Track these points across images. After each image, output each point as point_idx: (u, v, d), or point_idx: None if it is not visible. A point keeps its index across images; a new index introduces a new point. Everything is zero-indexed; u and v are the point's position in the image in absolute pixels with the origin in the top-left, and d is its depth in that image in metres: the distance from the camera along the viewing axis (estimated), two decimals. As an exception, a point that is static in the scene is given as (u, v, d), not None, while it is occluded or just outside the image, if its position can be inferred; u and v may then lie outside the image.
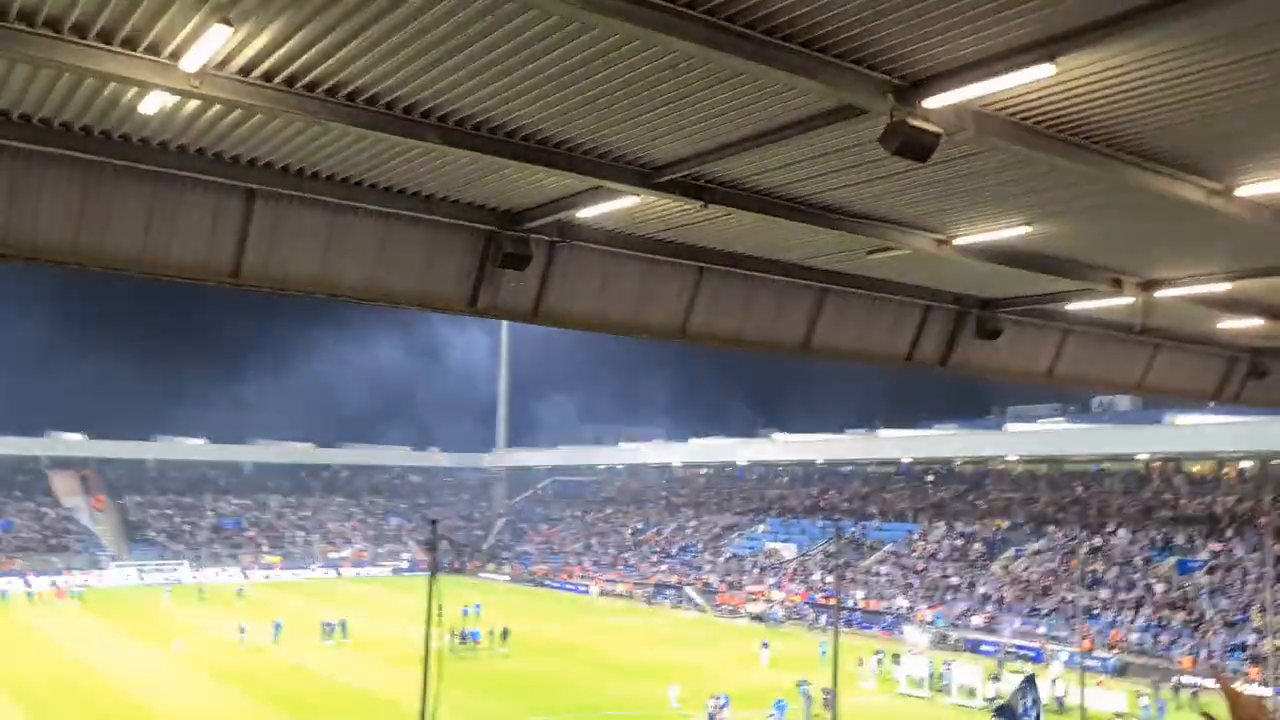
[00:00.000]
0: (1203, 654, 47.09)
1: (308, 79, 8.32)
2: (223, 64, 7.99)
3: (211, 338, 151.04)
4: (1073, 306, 16.22)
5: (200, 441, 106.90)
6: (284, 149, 9.97)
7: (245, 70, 8.15)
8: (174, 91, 8.11)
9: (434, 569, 14.34)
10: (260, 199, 10.69)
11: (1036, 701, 26.28)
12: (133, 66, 7.78)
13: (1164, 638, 49.63)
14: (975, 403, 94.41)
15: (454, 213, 11.77)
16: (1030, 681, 27.00)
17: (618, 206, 11.18)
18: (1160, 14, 6.76)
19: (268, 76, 8.25)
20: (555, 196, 11.39)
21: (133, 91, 8.47)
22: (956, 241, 12.57)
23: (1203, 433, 59.41)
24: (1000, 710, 27.12)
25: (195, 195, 10.36)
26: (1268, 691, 38.87)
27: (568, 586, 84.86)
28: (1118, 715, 37.84)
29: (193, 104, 8.78)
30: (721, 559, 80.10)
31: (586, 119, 9.16)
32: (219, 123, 9.30)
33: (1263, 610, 45.28)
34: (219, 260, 10.76)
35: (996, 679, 42.37)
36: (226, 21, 7.25)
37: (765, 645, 47.18)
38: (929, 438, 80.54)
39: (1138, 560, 57.40)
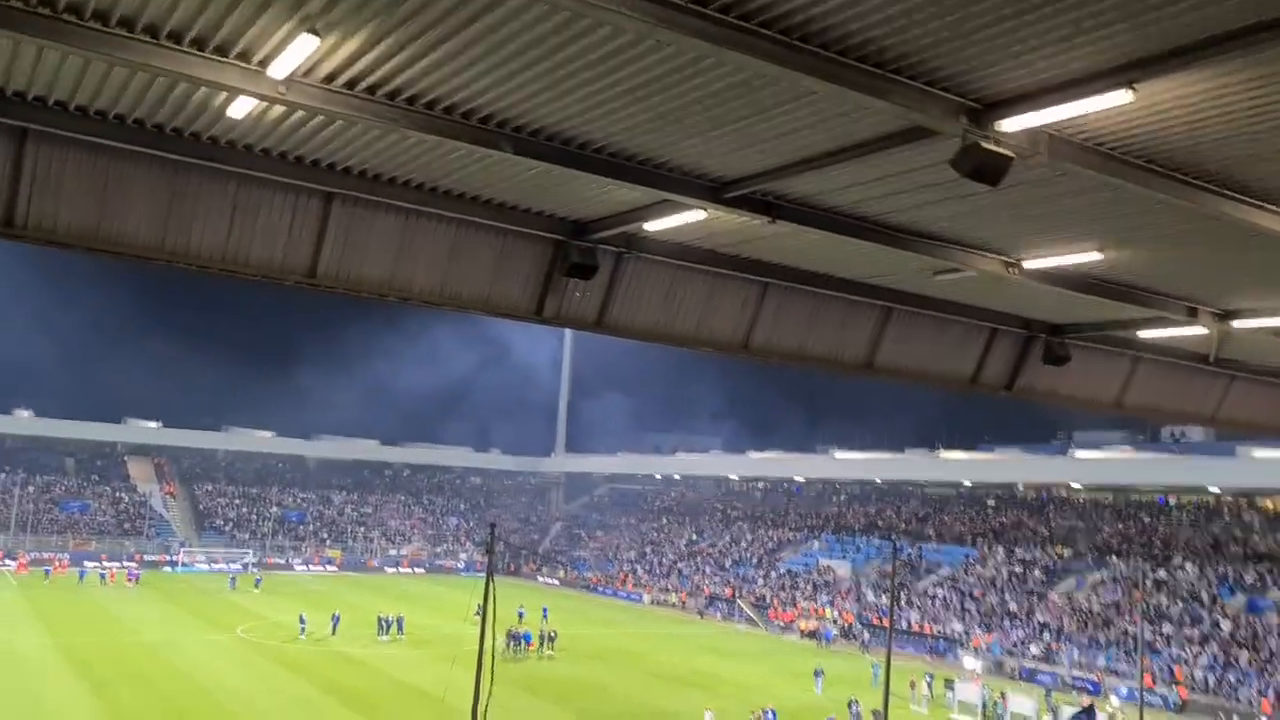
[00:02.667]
0: (1271, 694, 45.53)
1: (389, 88, 8.56)
2: (309, 72, 8.27)
3: (283, 334, 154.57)
4: (1145, 334, 15.86)
5: (269, 434, 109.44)
6: (362, 154, 10.24)
7: (329, 78, 8.41)
8: (261, 97, 8.40)
9: (491, 571, 14.52)
10: (338, 202, 10.99)
11: None
12: (223, 72, 8.08)
13: (1230, 677, 48.07)
14: (1041, 427, 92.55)
15: (524, 221, 11.96)
16: (1089, 713, 26.27)
17: (685, 220, 11.25)
18: (1242, 42, 6.65)
19: (351, 85, 8.51)
20: (623, 209, 11.51)
21: (222, 96, 8.79)
22: (1026, 265, 12.41)
23: (1277, 467, 57.50)
24: None
25: (276, 197, 10.69)
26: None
27: (620, 594, 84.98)
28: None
29: (278, 109, 9.08)
30: (775, 574, 79.55)
31: (657, 134, 9.27)
32: (302, 128, 9.60)
33: (1337, 654, 43.64)
34: (296, 260, 11.08)
35: (1053, 710, 41.46)
36: (314, 32, 7.50)
37: (819, 674, 46.52)
38: (992, 461, 79.15)
39: (1204, 596, 55.71)
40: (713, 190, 10.45)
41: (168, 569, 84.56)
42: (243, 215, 10.60)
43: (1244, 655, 49.15)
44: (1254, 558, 58.03)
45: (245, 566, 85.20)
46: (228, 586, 73.08)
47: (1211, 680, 48.21)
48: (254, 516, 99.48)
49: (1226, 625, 52.14)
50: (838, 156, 9.33)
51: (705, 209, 10.78)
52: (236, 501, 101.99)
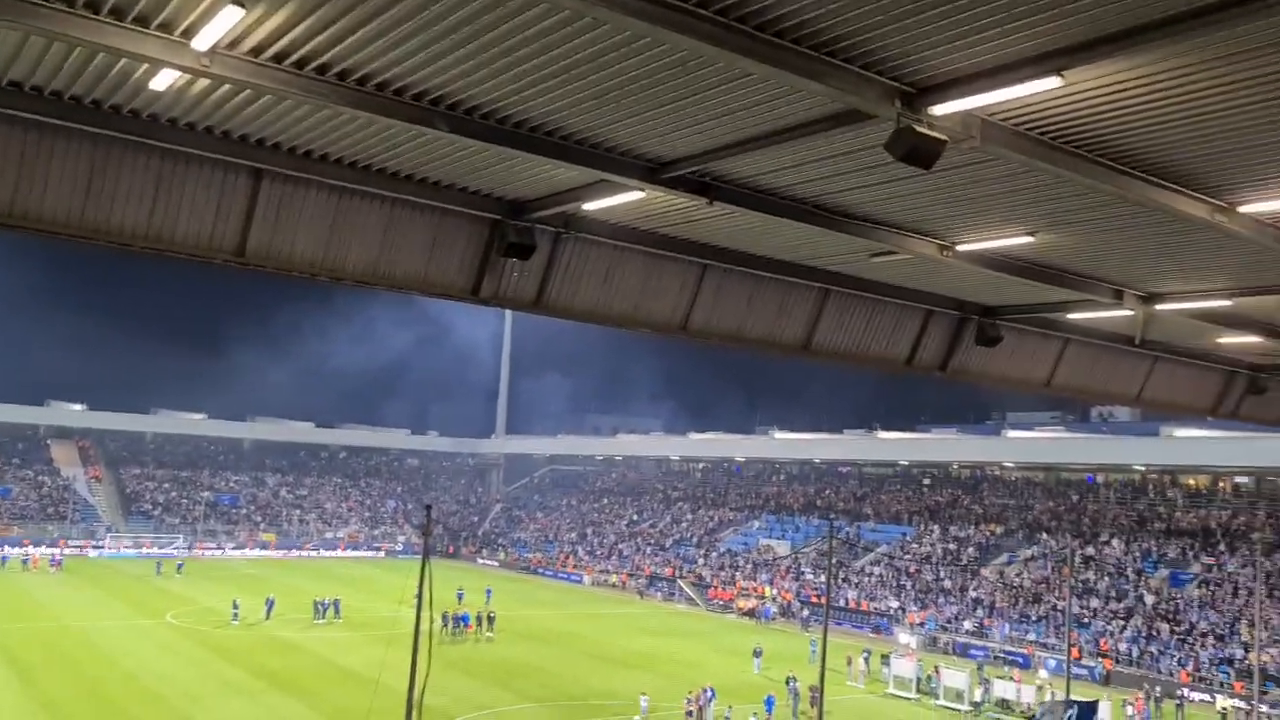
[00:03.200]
0: (1189, 665, 47.21)
1: (318, 62, 8.35)
2: (234, 44, 8.03)
3: (214, 313, 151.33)
4: (1074, 316, 16.23)
5: (200, 416, 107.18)
6: (292, 131, 10.00)
7: (256, 51, 8.18)
8: (184, 70, 8.14)
9: (427, 553, 14.42)
10: (267, 179, 10.72)
11: None
12: (144, 43, 7.81)
13: (1152, 648, 49.74)
14: (975, 408, 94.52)
15: (460, 200, 11.81)
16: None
17: (623, 200, 11.21)
18: (1163, 32, 6.80)
19: (278, 59, 8.29)
20: (561, 188, 11.42)
21: (144, 68, 8.51)
22: (960, 248, 12.60)
23: (1199, 446, 59.47)
24: None
25: (203, 173, 10.40)
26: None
27: (561, 575, 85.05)
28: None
29: (203, 83, 8.81)
30: (715, 554, 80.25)
31: (595, 113, 9.19)
32: (228, 102, 9.34)
33: (1251, 625, 45.36)
34: (224, 238, 10.79)
35: (985, 684, 42.53)
36: (239, 3, 7.28)
37: (758, 653, 47.05)
38: (927, 441, 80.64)
39: (1130, 571, 57.50)
40: (650, 171, 10.41)
41: (93, 554, 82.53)
42: (167, 191, 10.28)
43: (1165, 628, 50.86)
44: (1176, 533, 60.01)
45: (175, 551, 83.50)
46: (154, 572, 71.52)
47: (1135, 652, 49.83)
48: (184, 500, 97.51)
49: (1150, 599, 53.88)
50: (774, 139, 9.35)
51: (643, 189, 10.74)
52: (166, 485, 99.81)
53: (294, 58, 8.26)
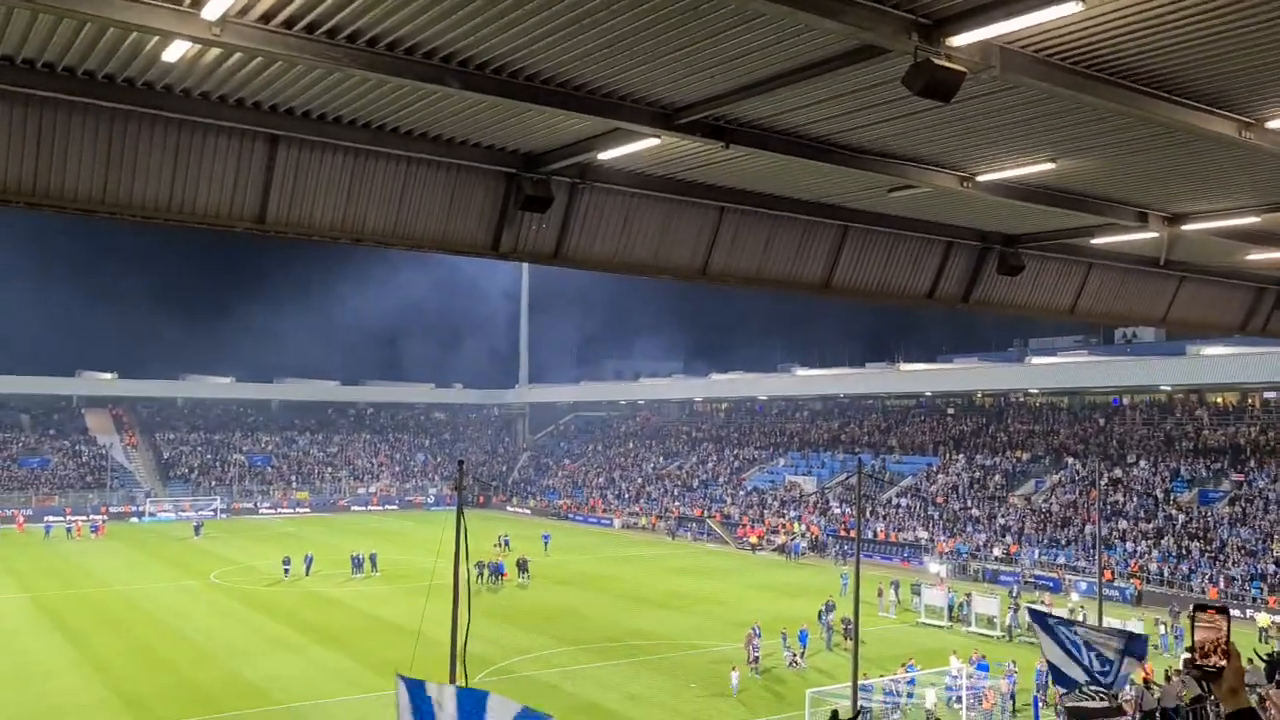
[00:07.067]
0: (1221, 582, 47.42)
1: (328, 25, 8.31)
2: (243, 12, 7.99)
3: (234, 277, 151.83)
4: (1097, 241, 16.08)
5: (228, 380, 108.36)
6: (305, 95, 9.98)
7: (266, 18, 8.14)
8: (195, 40, 8.12)
9: (461, 505, 14.67)
10: (283, 145, 10.73)
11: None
12: (153, 15, 7.77)
13: (1183, 567, 49.94)
14: (998, 336, 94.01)
15: (475, 156, 11.78)
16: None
17: (638, 148, 11.14)
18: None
19: (288, 24, 8.24)
20: (575, 139, 11.36)
21: (155, 40, 8.49)
22: (980, 179, 12.48)
23: (1226, 364, 59.04)
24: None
25: (220, 142, 10.42)
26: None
27: (591, 520, 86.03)
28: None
29: (214, 52, 8.79)
30: (742, 492, 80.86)
31: (606, 62, 9.11)
32: (240, 70, 9.32)
33: (1284, 540, 45.44)
34: (245, 206, 10.84)
35: (1015, 609, 42.93)
36: (247, -30, 7.23)
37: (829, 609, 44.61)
38: (950, 371, 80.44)
39: (1158, 491, 57.53)
40: (664, 117, 10.33)
41: (135, 520, 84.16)
42: (186, 162, 10.32)
43: (1195, 546, 50.99)
44: (1204, 452, 59.87)
45: (215, 513, 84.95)
46: (193, 534, 72.81)
47: (1166, 571, 50.06)
48: (218, 463, 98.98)
49: (1180, 518, 53.97)
50: (789, 78, 9.24)
51: (658, 136, 10.66)
52: (200, 449, 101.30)
53: (304, 22, 8.22)
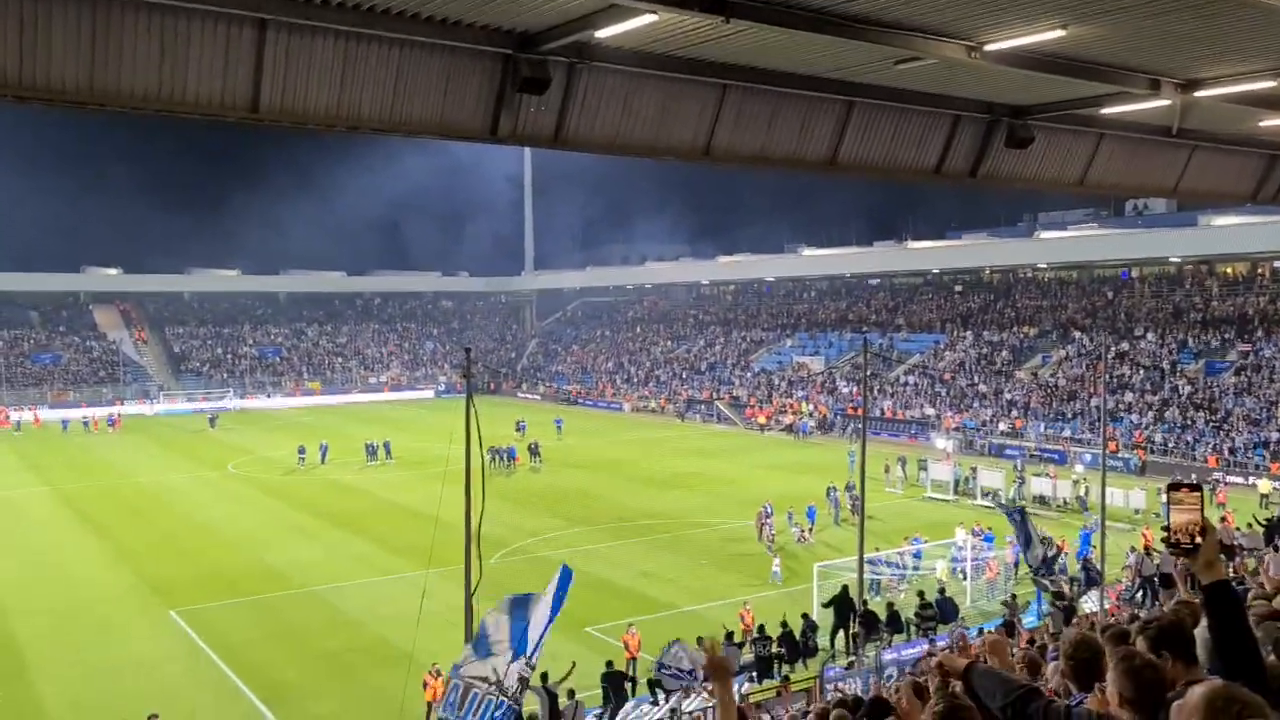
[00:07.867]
0: (1225, 451, 48.04)
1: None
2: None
3: (233, 167, 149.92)
4: (1108, 111, 15.74)
5: (234, 273, 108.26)
6: (291, -24, 9.68)
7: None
8: (174, -80, 7.85)
9: (470, 391, 14.83)
10: (272, 29, 10.46)
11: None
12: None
13: (1188, 437, 50.52)
14: (1007, 211, 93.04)
15: (471, 37, 11.48)
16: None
17: (635, 25, 10.83)
18: None
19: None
20: (571, 16, 11.03)
21: (132, -79, 8.21)
22: (988, 48, 12.13)
23: (1237, 233, 58.54)
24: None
25: (206, 28, 10.15)
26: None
27: (601, 404, 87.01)
28: (1136, 512, 39.04)
29: (194, -68, 8.51)
30: (750, 374, 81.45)
31: (601, -68, 8.79)
32: (223, -49, 9.03)
33: (1287, 409, 45.82)
34: (236, 95, 10.63)
35: (1020, 481, 43.68)
36: None
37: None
38: (958, 248, 79.94)
39: (1165, 363, 57.77)
40: (662, -10, 10.01)
41: (149, 413, 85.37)
42: (173, 50, 10.08)
43: (1200, 417, 51.48)
44: (1213, 323, 59.87)
45: (228, 405, 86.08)
46: (207, 426, 73.93)
47: (1171, 442, 50.68)
48: (229, 356, 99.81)
49: (1186, 389, 54.32)
50: (791, -54, 8.92)
51: (655, 12, 10.35)
52: (210, 342, 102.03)
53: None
